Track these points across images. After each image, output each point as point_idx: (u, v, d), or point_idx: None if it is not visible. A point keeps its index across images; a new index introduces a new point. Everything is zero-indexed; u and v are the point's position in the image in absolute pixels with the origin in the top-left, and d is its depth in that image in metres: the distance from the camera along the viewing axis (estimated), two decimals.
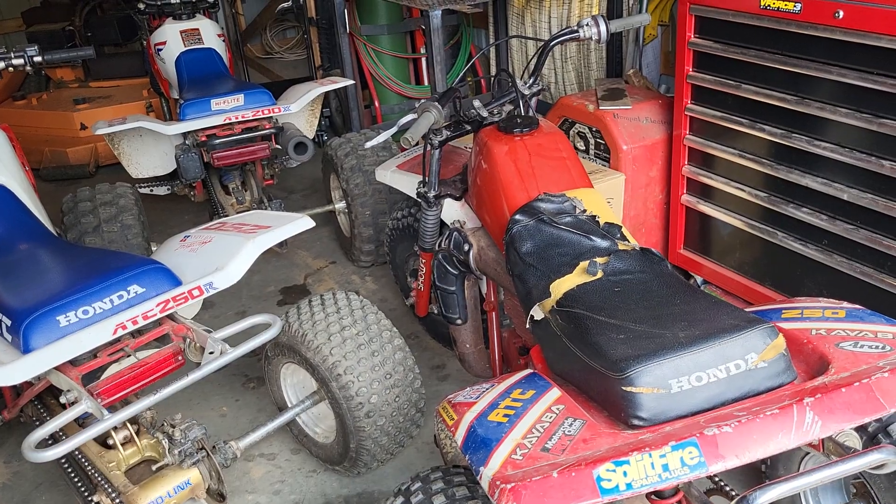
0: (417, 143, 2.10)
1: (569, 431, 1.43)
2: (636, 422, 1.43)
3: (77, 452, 2.13)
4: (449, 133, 2.29)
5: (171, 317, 2.00)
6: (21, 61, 2.57)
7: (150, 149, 3.58)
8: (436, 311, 2.96)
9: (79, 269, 2.00)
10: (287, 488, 2.53)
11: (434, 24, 3.54)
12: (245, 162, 3.41)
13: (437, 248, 2.33)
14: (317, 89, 3.42)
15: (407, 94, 5.14)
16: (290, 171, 4.71)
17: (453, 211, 2.52)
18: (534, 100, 2.34)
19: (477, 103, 2.26)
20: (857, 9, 2.20)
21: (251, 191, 3.68)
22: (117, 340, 1.91)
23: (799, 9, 2.36)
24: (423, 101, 2.12)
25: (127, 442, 2.16)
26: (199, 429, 2.07)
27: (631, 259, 1.83)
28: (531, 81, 2.34)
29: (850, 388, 1.35)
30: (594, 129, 3.14)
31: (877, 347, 1.48)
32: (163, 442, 2.08)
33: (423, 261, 2.72)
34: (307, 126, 3.77)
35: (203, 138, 3.21)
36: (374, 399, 2.26)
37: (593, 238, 1.90)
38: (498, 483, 1.32)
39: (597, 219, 1.96)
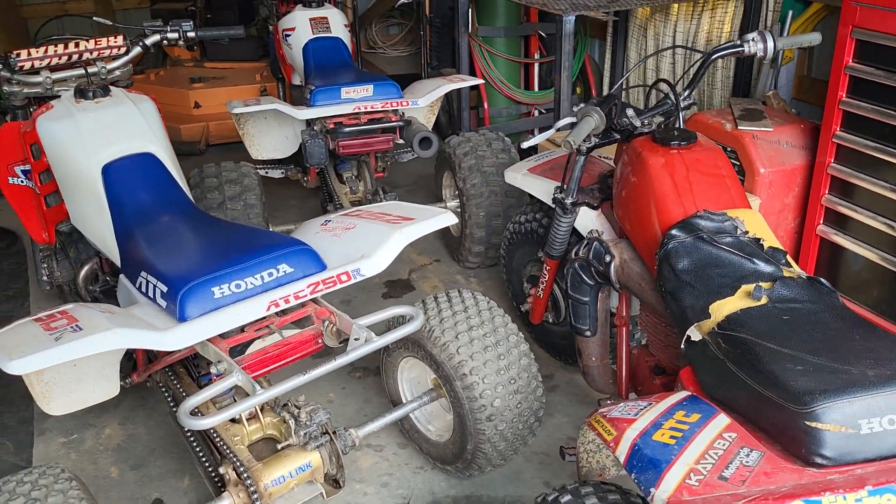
0: (581, 149, 2.06)
1: (746, 462, 1.37)
2: (819, 460, 1.35)
3: None
4: (597, 140, 2.24)
5: (313, 299, 2.00)
6: (175, 35, 2.63)
7: (273, 131, 3.62)
8: (550, 320, 2.92)
9: (229, 242, 2.02)
10: (395, 482, 2.51)
11: (567, 30, 3.48)
12: (367, 152, 3.43)
13: (573, 256, 2.28)
14: (446, 86, 3.41)
15: (516, 99, 5.09)
16: (396, 166, 4.72)
17: (589, 220, 2.48)
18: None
19: (631, 112, 2.20)
20: None
21: (364, 181, 3.69)
22: (263, 317, 1.92)
23: None
24: (583, 105, 2.08)
25: (251, 418, 2.18)
26: (325, 413, 2.07)
27: (798, 287, 1.75)
28: (686, 94, 2.27)
29: None
30: (729, 149, 3.04)
31: None
32: (288, 422, 2.09)
33: (548, 268, 2.68)
34: (425, 122, 3.77)
35: (331, 126, 3.24)
36: (497, 402, 2.23)
37: (756, 261, 1.83)
38: None
39: (761, 242, 1.88)
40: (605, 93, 5.11)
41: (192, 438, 2.24)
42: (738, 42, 2.29)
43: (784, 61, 3.69)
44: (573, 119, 2.12)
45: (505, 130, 4.63)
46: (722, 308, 1.73)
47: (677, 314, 1.85)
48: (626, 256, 2.15)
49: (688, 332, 1.75)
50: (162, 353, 2.16)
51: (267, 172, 3.93)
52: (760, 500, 1.24)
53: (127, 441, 2.72)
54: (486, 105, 5.00)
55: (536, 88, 5.28)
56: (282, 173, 3.99)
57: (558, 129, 2.26)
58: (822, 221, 2.92)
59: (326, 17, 3.87)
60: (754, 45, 2.26)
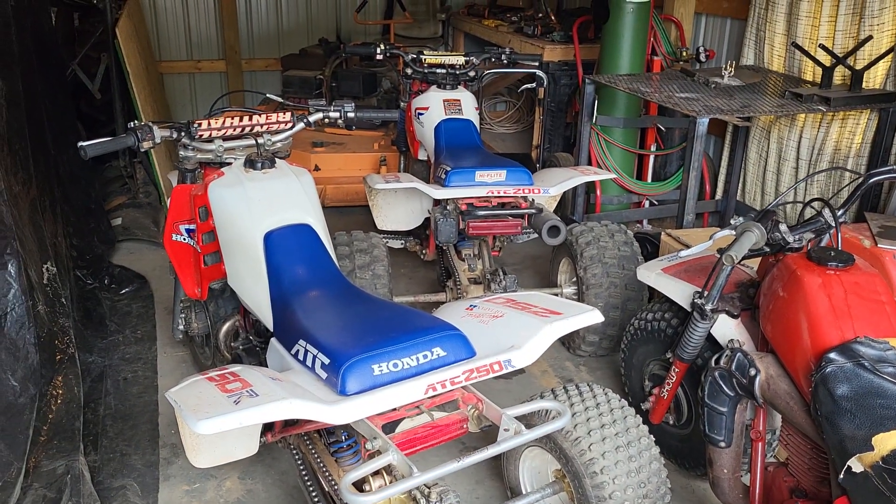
0: (734, 261, 2.08)
1: None
2: None
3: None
4: (748, 252, 2.25)
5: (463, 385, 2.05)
6: (337, 115, 2.80)
7: (400, 205, 3.76)
8: (671, 422, 2.88)
9: (385, 320, 2.10)
10: None
11: (699, 132, 3.54)
12: (494, 235, 3.51)
13: (713, 364, 2.27)
14: (579, 178, 3.49)
15: (629, 188, 5.14)
16: (509, 245, 4.80)
17: (727, 329, 2.47)
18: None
19: (784, 227, 2.21)
20: None
21: (483, 260, 3.77)
22: None
23: None
24: (743, 220, 2.11)
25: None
26: (455, 495, 2.08)
27: None
28: (841, 213, 2.27)
29: None
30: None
31: None
32: (419, 501, 2.12)
33: (676, 370, 2.67)
34: (548, 208, 3.84)
35: (463, 207, 3.34)
36: None
37: None
38: None
39: None
40: (719, 190, 5.11)
41: (318, 503, 2.29)
42: None
43: None
44: (731, 231, 2.14)
45: (615, 219, 4.68)
46: (887, 441, 1.70)
47: (834, 441, 1.82)
48: (772, 372, 2.14)
49: (849, 463, 1.71)
50: (306, 420, 2.23)
51: (387, 242, 4.06)
52: None
53: (246, 496, 2.80)
54: (598, 192, 5.06)
55: (650, 180, 5.32)
56: (401, 244, 4.12)
57: (713, 239, 2.29)
58: None
59: (459, 100, 4.03)
60: None
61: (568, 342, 3.78)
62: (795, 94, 3.80)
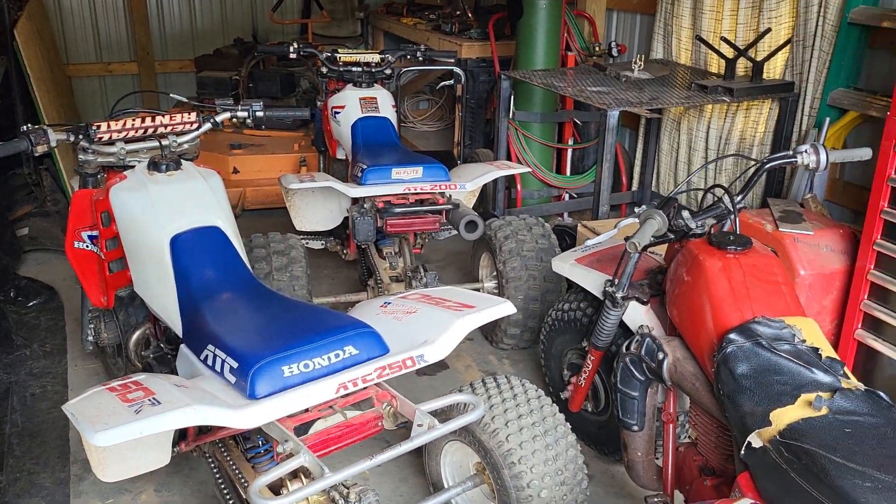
0: (643, 249, 2.12)
1: None
2: None
3: None
4: (653, 239, 2.31)
5: (377, 383, 2.04)
6: (245, 114, 2.74)
7: (318, 205, 3.72)
8: (589, 409, 2.93)
9: (297, 321, 2.07)
10: None
11: (611, 124, 3.61)
12: (413, 232, 3.51)
13: (624, 350, 2.32)
14: (495, 172, 3.51)
15: (548, 182, 5.22)
16: (430, 242, 4.81)
17: (638, 315, 2.52)
18: None
19: (686, 214, 2.27)
20: None
21: (404, 258, 3.76)
22: None
23: None
24: (645, 207, 2.16)
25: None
26: (374, 494, 2.07)
27: (858, 400, 1.78)
28: (740, 199, 2.35)
29: None
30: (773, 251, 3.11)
31: None
32: (337, 502, 2.10)
33: (592, 358, 2.72)
34: (468, 204, 3.86)
35: (380, 205, 3.33)
36: (543, 493, 2.24)
37: (815, 371, 1.87)
38: None
39: (818, 351, 1.93)
40: (634, 181, 5.23)
41: None
42: (792, 153, 2.38)
43: None
44: (634, 219, 2.19)
45: (535, 213, 4.73)
46: (783, 416, 1.76)
47: (735, 418, 1.88)
48: (679, 355, 2.19)
49: (748, 439, 1.77)
50: (218, 426, 2.19)
51: (307, 243, 4.01)
52: None
53: None
54: (518, 187, 5.12)
55: (568, 173, 5.41)
56: (321, 245, 4.07)
57: (618, 228, 2.34)
58: (860, 326, 2.97)
59: (376, 98, 4.01)
60: (807, 157, 2.35)
61: (490, 336, 3.81)
62: (701, 86, 3.92)
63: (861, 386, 1.85)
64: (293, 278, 3.25)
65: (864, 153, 2.44)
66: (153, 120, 2.57)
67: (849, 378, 1.88)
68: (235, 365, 1.89)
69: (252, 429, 2.07)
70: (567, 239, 4.21)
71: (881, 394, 1.80)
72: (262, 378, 1.83)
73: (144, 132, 2.57)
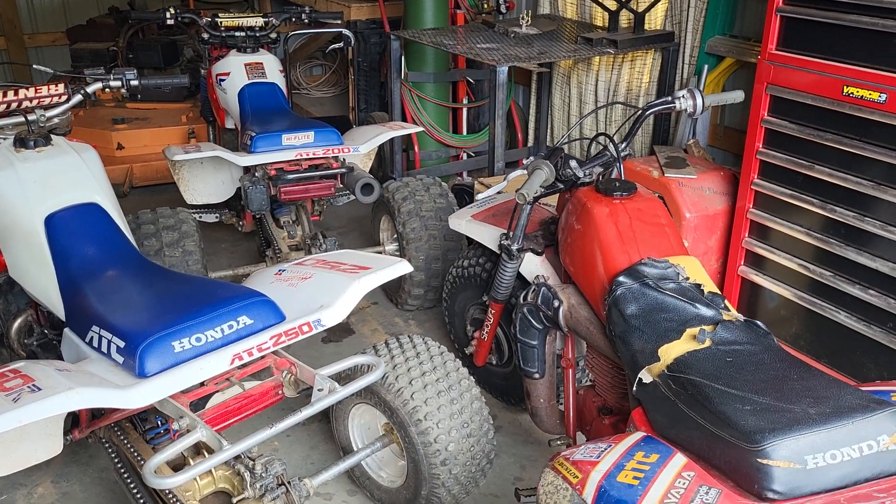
0: (534, 201, 2.15)
1: (706, 500, 1.46)
2: (771, 495, 1.46)
3: None
4: (543, 190, 2.34)
5: (274, 351, 2.00)
6: (118, 84, 2.60)
7: (208, 176, 3.60)
8: (494, 362, 2.99)
9: (184, 294, 2.01)
10: None
11: (500, 80, 3.62)
12: (309, 198, 3.44)
13: (521, 301, 2.36)
14: (388, 133, 3.47)
15: (445, 142, 5.21)
16: (329, 209, 4.74)
17: (534, 265, 2.57)
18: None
19: (574, 164, 2.32)
20: None
21: (302, 226, 3.70)
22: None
23: (884, 99, 2.46)
24: (532, 158, 2.18)
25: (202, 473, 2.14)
26: (280, 464, 2.05)
27: (738, 330, 1.88)
28: (624, 146, 2.41)
29: None
30: (657, 195, 3.21)
31: None
32: (243, 474, 2.07)
33: (493, 311, 2.76)
34: (364, 167, 3.82)
35: (272, 172, 3.25)
36: (451, 447, 2.27)
37: (698, 306, 1.95)
38: None
39: (701, 287, 2.01)
40: (530, 137, 5.29)
41: (139, 496, 2.18)
42: (670, 98, 2.45)
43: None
44: (523, 171, 2.21)
45: (435, 173, 4.72)
46: (670, 351, 1.84)
47: (627, 357, 1.95)
48: (573, 301, 2.25)
49: (639, 375, 1.84)
50: (110, 409, 2.11)
51: (201, 217, 3.89)
52: None
53: (62, 500, 2.61)
54: (416, 149, 5.10)
55: (465, 132, 5.42)
56: (216, 218, 3.96)
57: (507, 180, 2.36)
58: (742, 263, 3.12)
59: (262, 63, 3.88)
60: (684, 102, 2.42)
61: (395, 298, 3.81)
62: (587, 39, 3.98)
63: (741, 317, 1.94)
64: (186, 253, 3.15)
65: (737, 95, 2.54)
66: (16, 94, 2.41)
67: (729, 310, 1.97)
68: (122, 344, 1.82)
69: (147, 409, 2.01)
70: (466, 198, 4.23)
71: (759, 323, 1.91)
72: (152, 355, 1.77)
73: (7, 107, 2.41)
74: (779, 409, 1.56)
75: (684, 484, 1.50)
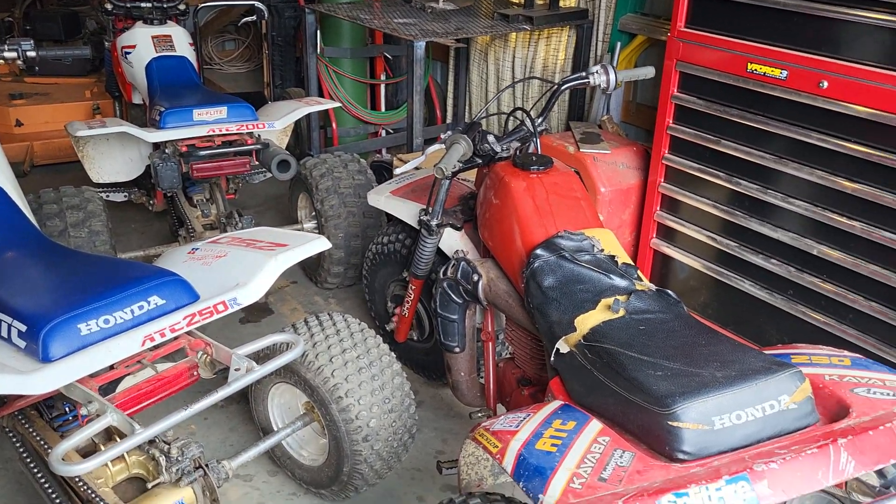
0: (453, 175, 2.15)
1: (621, 463, 1.50)
2: (681, 455, 1.51)
3: None
4: (462, 165, 2.35)
5: (188, 331, 1.95)
6: (14, 55, 2.46)
7: (115, 154, 3.46)
8: (415, 338, 2.99)
9: (91, 275, 1.92)
10: None
11: (418, 55, 3.60)
12: (223, 175, 3.35)
13: (441, 276, 2.37)
14: (304, 108, 3.40)
15: (363, 119, 5.16)
16: (245, 187, 4.63)
17: (453, 241, 2.58)
18: None
19: (491, 138, 2.33)
20: (840, 81, 2.42)
21: (217, 204, 3.60)
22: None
23: (785, 76, 2.56)
24: (450, 133, 2.18)
25: (114, 458, 2.07)
26: (197, 447, 2.01)
27: (650, 299, 1.93)
28: (540, 121, 2.44)
29: (876, 431, 1.48)
30: (573, 170, 3.27)
31: (889, 395, 1.63)
32: (158, 459, 2.01)
33: (413, 287, 2.76)
34: (279, 144, 3.74)
35: (184, 148, 3.14)
36: (372, 423, 2.27)
37: (612, 277, 2.00)
38: None
39: (615, 258, 2.06)
40: (448, 114, 5.29)
41: (48, 486, 2.10)
42: (584, 74, 2.48)
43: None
44: (441, 146, 2.21)
45: (353, 150, 4.68)
46: (586, 321, 1.88)
47: (545, 328, 1.98)
48: (492, 275, 2.27)
49: (556, 345, 1.88)
50: (13, 396, 2.02)
51: (108, 196, 3.74)
52: (637, 497, 1.37)
53: None
54: (334, 125, 5.02)
55: (383, 109, 5.37)
56: (124, 197, 3.81)
57: (426, 154, 2.35)
58: (654, 235, 3.22)
59: (170, 35, 3.74)
60: (598, 77, 2.46)
61: (314, 277, 3.77)
62: (503, 15, 3.99)
63: (653, 287, 2.00)
64: (92, 234, 3.02)
65: (648, 71, 2.60)
66: None
67: (642, 281, 2.03)
68: (24, 328, 1.73)
69: (53, 395, 1.93)
70: (385, 174, 4.21)
71: (669, 292, 1.97)
72: (56, 339, 1.69)
73: None
74: (688, 373, 1.62)
75: (600, 449, 1.54)
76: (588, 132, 3.43)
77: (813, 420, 1.60)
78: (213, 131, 3.17)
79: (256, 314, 3.59)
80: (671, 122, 3.01)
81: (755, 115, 2.70)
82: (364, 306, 3.61)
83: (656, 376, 1.63)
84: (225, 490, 2.54)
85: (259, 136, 3.30)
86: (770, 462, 1.42)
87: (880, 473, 1.69)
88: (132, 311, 1.81)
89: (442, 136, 2.23)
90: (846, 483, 1.65)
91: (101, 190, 3.65)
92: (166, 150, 3.17)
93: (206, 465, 2.04)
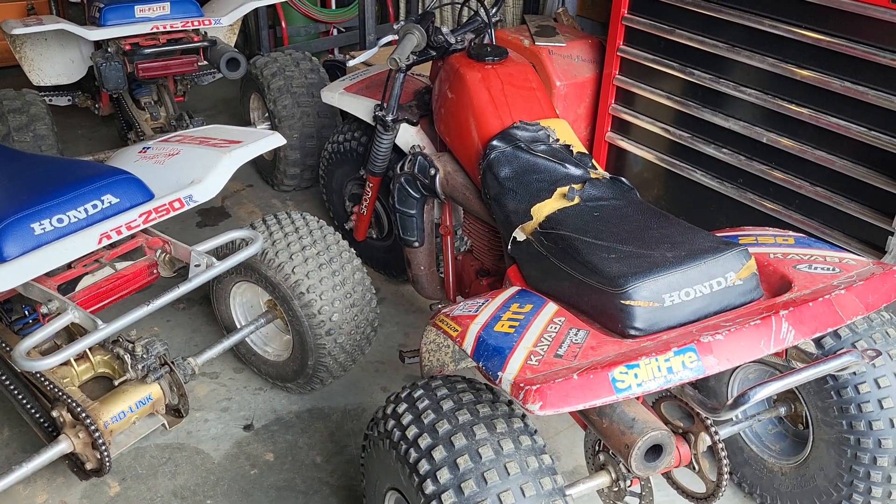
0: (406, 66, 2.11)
1: (576, 340, 1.57)
2: (633, 332, 1.58)
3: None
4: (416, 57, 2.32)
5: (145, 230, 1.93)
6: None
7: (55, 55, 3.32)
8: (374, 236, 3.01)
9: (42, 176, 1.89)
10: (235, 405, 2.54)
11: None
12: (169, 75, 3.25)
13: (398, 171, 2.37)
14: (251, 3, 3.28)
15: (314, 17, 5.00)
16: (194, 89, 4.50)
17: (409, 136, 2.57)
18: None
19: (445, 30, 2.29)
20: None
21: (165, 106, 3.51)
22: (91, 252, 1.83)
23: None
24: (403, 22, 2.13)
25: (79, 358, 2.09)
26: (161, 344, 2.04)
27: (604, 187, 1.97)
28: (494, 12, 2.40)
29: (815, 303, 1.56)
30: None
31: (828, 269, 1.71)
32: (124, 357, 2.04)
33: (371, 185, 2.76)
34: (227, 42, 3.62)
35: (127, 47, 3.02)
36: (335, 317, 2.31)
37: (567, 166, 2.03)
38: (521, 385, 1.43)
39: (570, 148, 2.08)
40: (402, 11, 5.15)
41: (12, 386, 2.12)
42: None
43: None
44: (394, 36, 2.17)
45: (304, 49, 4.56)
46: (542, 209, 1.91)
47: (502, 218, 2.02)
48: (449, 168, 2.28)
49: (513, 234, 1.92)
50: None
51: (51, 100, 3.61)
52: (591, 370, 1.43)
53: None
54: (283, 24, 4.87)
55: (334, 6, 5.20)
56: (68, 101, 3.68)
57: (379, 45, 2.31)
58: (609, 129, 3.24)
59: None
60: None
61: (271, 179, 3.73)
62: None
63: (606, 175, 2.04)
64: (37, 138, 2.93)
65: None
66: None
67: (596, 169, 2.06)
68: None
69: (11, 296, 1.92)
70: (339, 74, 4.11)
71: (623, 179, 2.01)
72: (9, 239, 1.67)
73: None
74: (640, 255, 1.67)
75: (556, 328, 1.60)
76: (543, 25, 3.38)
77: (758, 295, 1.68)
78: (157, 28, 3.05)
79: (213, 217, 3.56)
80: (626, 12, 2.98)
81: (709, 3, 2.69)
82: (322, 208, 3.61)
83: (609, 259, 1.68)
84: (192, 387, 2.59)
85: (206, 33, 3.19)
86: (716, 334, 1.49)
87: (818, 343, 1.80)
88: (86, 210, 1.79)
89: (395, 26, 2.19)
90: (786, 352, 1.75)
91: (43, 94, 3.52)
92: (109, 50, 3.05)
93: (172, 362, 2.07)
